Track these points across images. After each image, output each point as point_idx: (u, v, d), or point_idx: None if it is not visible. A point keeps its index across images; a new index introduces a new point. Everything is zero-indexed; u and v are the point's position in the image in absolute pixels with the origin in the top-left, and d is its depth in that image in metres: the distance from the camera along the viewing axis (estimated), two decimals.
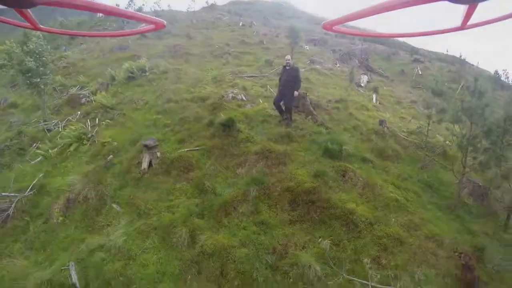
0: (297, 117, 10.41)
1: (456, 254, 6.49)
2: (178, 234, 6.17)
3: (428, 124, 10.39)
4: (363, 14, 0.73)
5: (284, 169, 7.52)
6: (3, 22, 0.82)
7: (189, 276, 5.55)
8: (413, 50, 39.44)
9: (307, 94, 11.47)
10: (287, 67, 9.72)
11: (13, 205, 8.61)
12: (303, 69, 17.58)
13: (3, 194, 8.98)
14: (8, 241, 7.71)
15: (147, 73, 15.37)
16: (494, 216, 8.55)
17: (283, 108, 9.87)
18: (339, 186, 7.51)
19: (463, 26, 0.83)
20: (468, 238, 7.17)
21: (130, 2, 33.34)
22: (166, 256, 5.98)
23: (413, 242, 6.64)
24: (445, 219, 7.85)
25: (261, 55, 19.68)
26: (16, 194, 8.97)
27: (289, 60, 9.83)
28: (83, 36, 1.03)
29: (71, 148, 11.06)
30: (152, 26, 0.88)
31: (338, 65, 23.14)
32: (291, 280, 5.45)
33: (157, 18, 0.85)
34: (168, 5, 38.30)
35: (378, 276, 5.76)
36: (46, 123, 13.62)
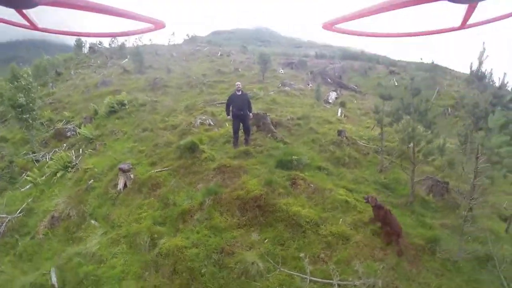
0: (258, 135, 11.63)
1: (365, 201, 7.51)
2: (142, 240, 7.31)
3: (381, 128, 11.00)
4: (363, 13, 0.76)
5: (238, 180, 8.57)
6: (2, 22, 0.83)
7: (147, 273, 6.63)
8: (391, 63, 40.61)
9: (268, 114, 12.70)
10: (238, 93, 10.78)
11: (3, 225, 9.83)
12: (272, 92, 19.02)
13: None
14: (0, 255, 8.80)
15: (127, 106, 16.70)
16: (456, 209, 8.80)
17: (242, 130, 10.96)
18: (288, 193, 8.34)
19: (463, 26, 0.85)
20: (421, 231, 7.72)
21: (113, 39, 35.07)
22: (131, 259, 7.10)
23: (360, 239, 7.18)
24: (398, 215, 8.28)
25: (234, 83, 21.06)
26: (7, 216, 10.16)
27: (239, 85, 11.01)
28: (82, 36, 1.06)
29: (58, 175, 12.29)
30: (151, 26, 0.89)
31: (310, 85, 24.44)
32: (235, 275, 6.32)
33: (157, 19, 0.85)
34: (150, 40, 40.00)
35: (318, 271, 6.40)
36: (34, 154, 14.86)
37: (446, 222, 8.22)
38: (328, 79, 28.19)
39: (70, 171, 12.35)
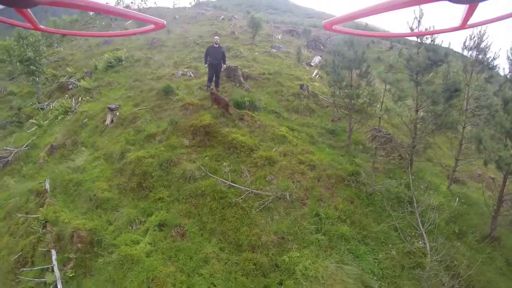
0: (228, 85, 13.26)
1: (208, 91, 10.27)
2: (115, 155, 9.30)
3: (335, 87, 11.21)
4: (364, 13, 0.75)
5: (196, 115, 10.40)
6: (3, 22, 0.83)
7: (115, 176, 8.68)
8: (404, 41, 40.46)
9: (240, 68, 14.20)
10: (215, 45, 12.36)
11: (11, 155, 11.91)
12: (257, 53, 20.26)
13: (5, 148, 12.26)
14: (7, 178, 10.92)
15: (123, 62, 18.43)
16: (396, 158, 10.09)
17: (214, 78, 12.55)
18: (235, 125, 10.13)
19: (463, 26, 0.85)
20: (347, 166, 8.98)
21: (119, 0, 36.34)
22: (105, 168, 9.14)
23: (285, 164, 8.70)
24: (331, 153, 9.80)
25: (227, 44, 22.24)
26: (14, 149, 12.24)
27: (217, 39, 12.61)
28: (83, 36, 1.17)
29: (59, 118, 14.30)
30: (152, 26, 0.88)
31: (303, 50, 25.21)
32: (176, 178, 8.31)
33: (157, 18, 0.85)
34: (155, 2, 41.19)
35: (240, 181, 8.19)
36: (40, 104, 16.85)
37: (378, 166, 9.30)
38: (321, 46, 28.66)
39: (70, 115, 14.32)
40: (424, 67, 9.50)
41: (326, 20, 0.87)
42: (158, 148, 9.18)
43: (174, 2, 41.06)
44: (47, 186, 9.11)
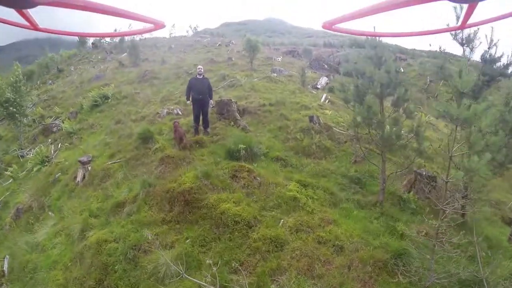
0: (220, 124, 11.52)
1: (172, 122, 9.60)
2: (74, 232, 7.65)
3: (353, 110, 8.25)
4: (363, 13, 0.76)
5: (176, 173, 8.38)
6: (2, 22, 0.83)
7: (73, 264, 6.85)
8: (402, 51, 39.16)
9: (234, 101, 12.42)
10: (199, 76, 10.72)
11: None
12: (256, 79, 18.69)
13: None
14: None
15: (110, 99, 17.15)
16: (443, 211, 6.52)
17: (201, 117, 10.83)
18: (226, 186, 7.70)
19: (462, 25, 0.87)
20: (387, 240, 6.33)
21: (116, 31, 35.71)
22: (64, 250, 7.47)
23: (298, 246, 6.18)
24: (362, 218, 7.20)
25: (222, 71, 20.86)
26: None
27: (201, 69, 10.96)
28: (83, 36, 0.88)
29: (34, 170, 12.91)
30: (151, 26, 0.89)
31: (307, 72, 23.79)
32: (146, 276, 6.03)
33: (156, 18, 0.85)
34: (151, 33, 40.60)
35: (233, 282, 5.63)
36: (21, 150, 15.54)
37: (426, 228, 6.59)
38: (325, 65, 27.51)
39: (46, 165, 12.92)
40: (479, 86, 7.29)
41: (326, 20, 0.86)
42: (125, 226, 7.18)
43: (170, 31, 39.83)
44: (5, 267, 7.71)
